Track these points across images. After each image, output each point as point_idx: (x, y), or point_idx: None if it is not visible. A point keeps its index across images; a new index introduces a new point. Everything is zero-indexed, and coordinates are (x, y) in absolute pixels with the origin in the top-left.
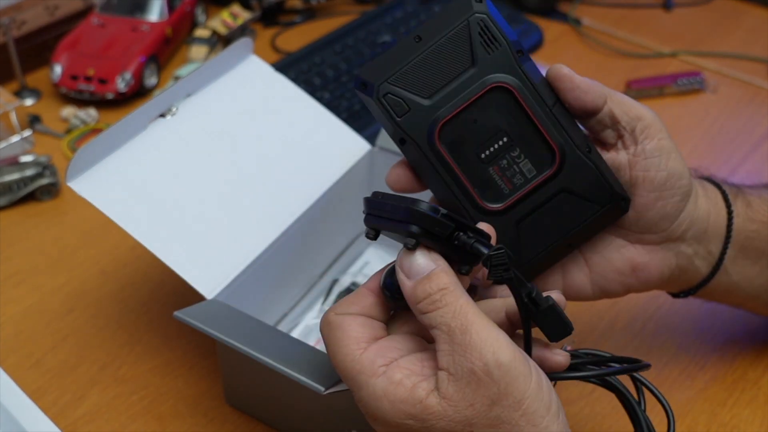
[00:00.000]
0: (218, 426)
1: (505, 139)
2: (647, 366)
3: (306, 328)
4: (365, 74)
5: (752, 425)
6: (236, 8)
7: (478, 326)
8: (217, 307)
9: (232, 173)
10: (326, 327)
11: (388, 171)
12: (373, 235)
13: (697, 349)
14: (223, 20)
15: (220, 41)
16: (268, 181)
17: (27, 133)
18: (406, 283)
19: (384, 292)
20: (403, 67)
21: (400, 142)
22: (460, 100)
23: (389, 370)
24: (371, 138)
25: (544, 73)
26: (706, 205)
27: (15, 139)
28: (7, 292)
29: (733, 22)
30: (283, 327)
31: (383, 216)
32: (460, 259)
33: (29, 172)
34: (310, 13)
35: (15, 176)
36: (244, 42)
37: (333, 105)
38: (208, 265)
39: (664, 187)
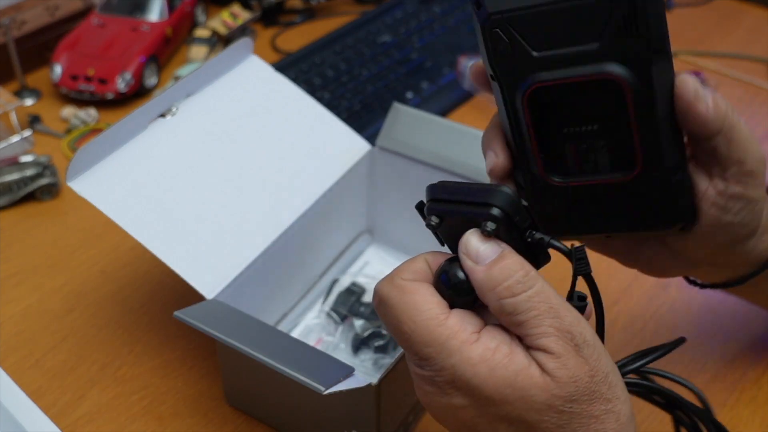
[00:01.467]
0: (218, 426)
1: (595, 127)
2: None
3: (306, 328)
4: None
5: (752, 425)
6: (236, 8)
7: (564, 306)
8: (217, 307)
9: (232, 173)
10: (397, 291)
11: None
12: (436, 223)
13: (697, 349)
14: (223, 20)
15: (220, 41)
16: (268, 181)
17: (27, 133)
18: (477, 270)
19: (442, 289)
20: (526, 9)
21: (490, 77)
22: (567, 72)
23: (482, 336)
24: (371, 138)
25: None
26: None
27: (15, 139)
28: (7, 292)
29: (733, 22)
30: (283, 327)
31: (455, 200)
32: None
33: (29, 172)
34: (310, 13)
35: (15, 176)
36: (244, 42)
37: (333, 105)
38: (208, 265)
39: (730, 234)
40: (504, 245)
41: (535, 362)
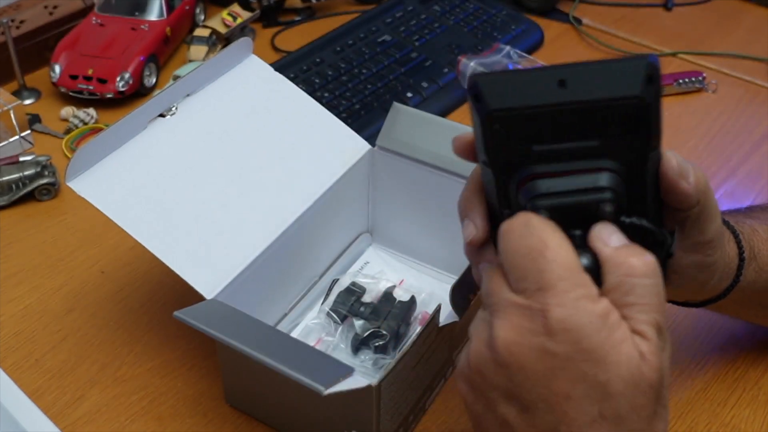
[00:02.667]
0: (218, 426)
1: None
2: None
3: (306, 328)
4: (485, 87)
5: (753, 425)
6: (236, 8)
7: (665, 306)
8: (217, 307)
9: (232, 173)
10: (546, 223)
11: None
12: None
13: (697, 349)
14: (222, 20)
15: (220, 41)
16: (267, 180)
17: (26, 132)
18: (604, 250)
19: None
20: (529, 109)
21: (483, 163)
22: (565, 166)
23: (602, 299)
24: (371, 138)
25: None
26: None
27: (14, 138)
28: (6, 292)
29: (733, 22)
30: (283, 327)
31: (569, 190)
32: None
33: (29, 172)
34: (309, 13)
35: (14, 176)
36: (243, 42)
37: (333, 105)
38: (208, 265)
39: (687, 283)
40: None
41: (633, 342)
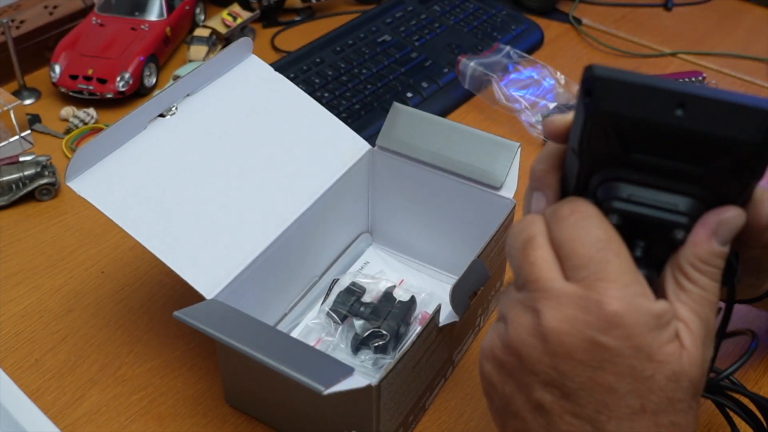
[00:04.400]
0: (218, 426)
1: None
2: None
3: (306, 328)
4: (599, 84)
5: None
6: (236, 8)
7: (715, 303)
8: (217, 307)
9: (232, 173)
10: (603, 218)
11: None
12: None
13: None
14: (222, 20)
15: (220, 41)
16: (267, 181)
17: (26, 132)
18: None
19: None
20: (640, 121)
21: (572, 150)
22: (655, 180)
23: (660, 299)
24: (371, 138)
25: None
26: None
27: (14, 138)
28: (6, 291)
29: (733, 22)
30: (282, 327)
31: (645, 203)
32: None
33: (29, 172)
34: (309, 13)
35: (14, 176)
36: (243, 42)
37: (333, 105)
38: (208, 265)
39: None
40: None
41: (677, 336)
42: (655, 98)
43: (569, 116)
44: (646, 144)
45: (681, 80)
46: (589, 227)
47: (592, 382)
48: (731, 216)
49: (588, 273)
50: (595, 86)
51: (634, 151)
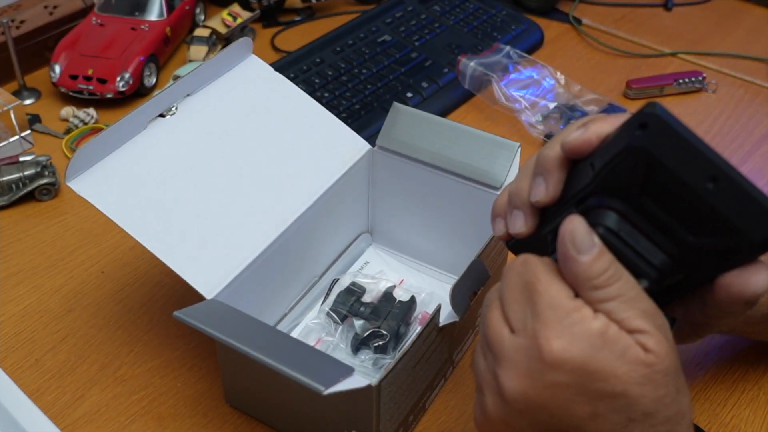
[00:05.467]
0: (218, 426)
1: None
2: None
3: (306, 328)
4: (656, 123)
5: (753, 425)
6: (236, 8)
7: (645, 294)
8: (216, 307)
9: (232, 173)
10: (536, 259)
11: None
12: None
13: (697, 349)
14: (222, 20)
15: (220, 41)
16: (267, 180)
17: (26, 132)
18: (580, 259)
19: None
20: (673, 173)
21: (590, 165)
22: (647, 226)
23: (598, 315)
24: (371, 138)
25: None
26: None
27: (14, 138)
28: (6, 291)
29: (733, 22)
30: (282, 327)
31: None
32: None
33: (29, 172)
34: (309, 13)
35: (14, 176)
36: (243, 42)
37: (333, 105)
38: (208, 265)
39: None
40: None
41: (638, 343)
42: (696, 161)
43: (587, 135)
44: (662, 194)
45: (721, 157)
46: (519, 274)
47: (575, 418)
48: (573, 226)
49: (525, 319)
50: (651, 123)
51: (647, 194)
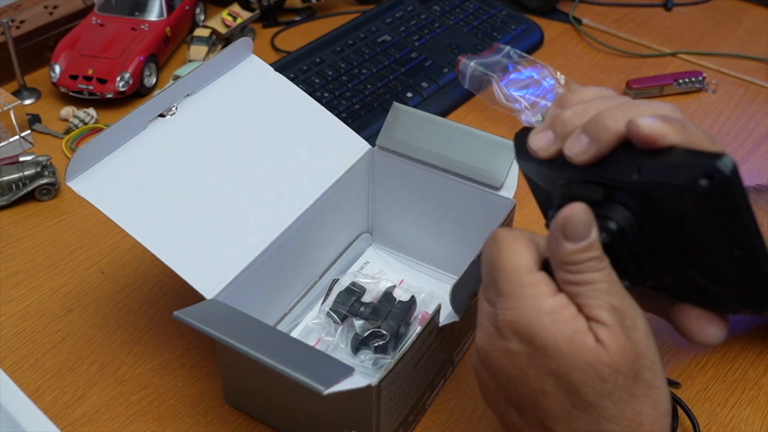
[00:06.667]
0: (218, 426)
1: None
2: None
3: (306, 328)
4: (715, 187)
5: (753, 425)
6: (236, 8)
7: (622, 290)
8: (216, 306)
9: (232, 173)
10: (511, 235)
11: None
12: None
13: (697, 349)
14: (222, 20)
15: (220, 41)
16: (267, 180)
17: (26, 132)
18: (565, 245)
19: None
20: (710, 231)
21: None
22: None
23: (557, 295)
24: (371, 138)
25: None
26: None
27: (14, 138)
28: (6, 291)
29: (733, 22)
30: (282, 327)
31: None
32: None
33: (29, 172)
34: (309, 13)
35: (14, 176)
36: (244, 41)
37: (333, 105)
38: (208, 265)
39: None
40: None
41: (591, 331)
42: (735, 228)
43: (661, 131)
44: (686, 229)
45: (758, 232)
46: (487, 248)
47: (528, 389)
48: (572, 214)
49: (491, 291)
50: (716, 180)
51: (672, 222)
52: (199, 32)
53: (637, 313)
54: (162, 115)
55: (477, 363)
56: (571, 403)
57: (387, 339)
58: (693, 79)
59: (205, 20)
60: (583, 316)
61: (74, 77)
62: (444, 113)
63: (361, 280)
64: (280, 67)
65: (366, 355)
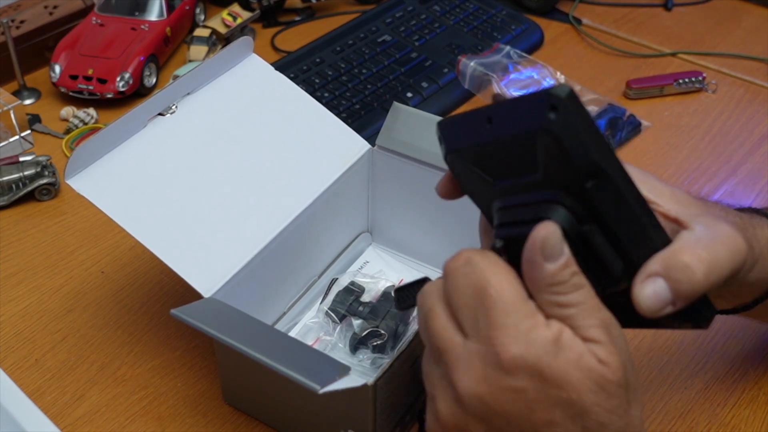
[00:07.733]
0: (218, 426)
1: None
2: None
3: (304, 327)
4: (443, 130)
5: (753, 425)
6: (236, 8)
7: (602, 305)
8: (214, 305)
9: (231, 172)
10: (488, 258)
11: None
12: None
13: (697, 349)
14: (222, 20)
15: (220, 41)
16: (267, 179)
17: (26, 132)
18: (546, 267)
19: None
20: (471, 145)
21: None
22: (523, 198)
23: (552, 321)
24: (371, 138)
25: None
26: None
27: (14, 138)
28: (6, 291)
29: (733, 22)
30: (281, 326)
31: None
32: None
33: (29, 172)
34: (309, 13)
35: (14, 176)
36: (244, 41)
37: (333, 104)
38: (207, 264)
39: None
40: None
41: (591, 352)
42: (472, 119)
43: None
44: (495, 167)
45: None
46: (465, 276)
47: (531, 425)
48: (548, 234)
49: (479, 325)
50: (441, 132)
51: (494, 178)
52: (199, 32)
53: (614, 320)
54: (162, 114)
55: (458, 415)
56: (582, 426)
57: (385, 338)
58: (693, 79)
59: (205, 20)
60: (579, 338)
61: (74, 77)
62: (444, 113)
63: (360, 280)
64: (280, 67)
65: (364, 355)
